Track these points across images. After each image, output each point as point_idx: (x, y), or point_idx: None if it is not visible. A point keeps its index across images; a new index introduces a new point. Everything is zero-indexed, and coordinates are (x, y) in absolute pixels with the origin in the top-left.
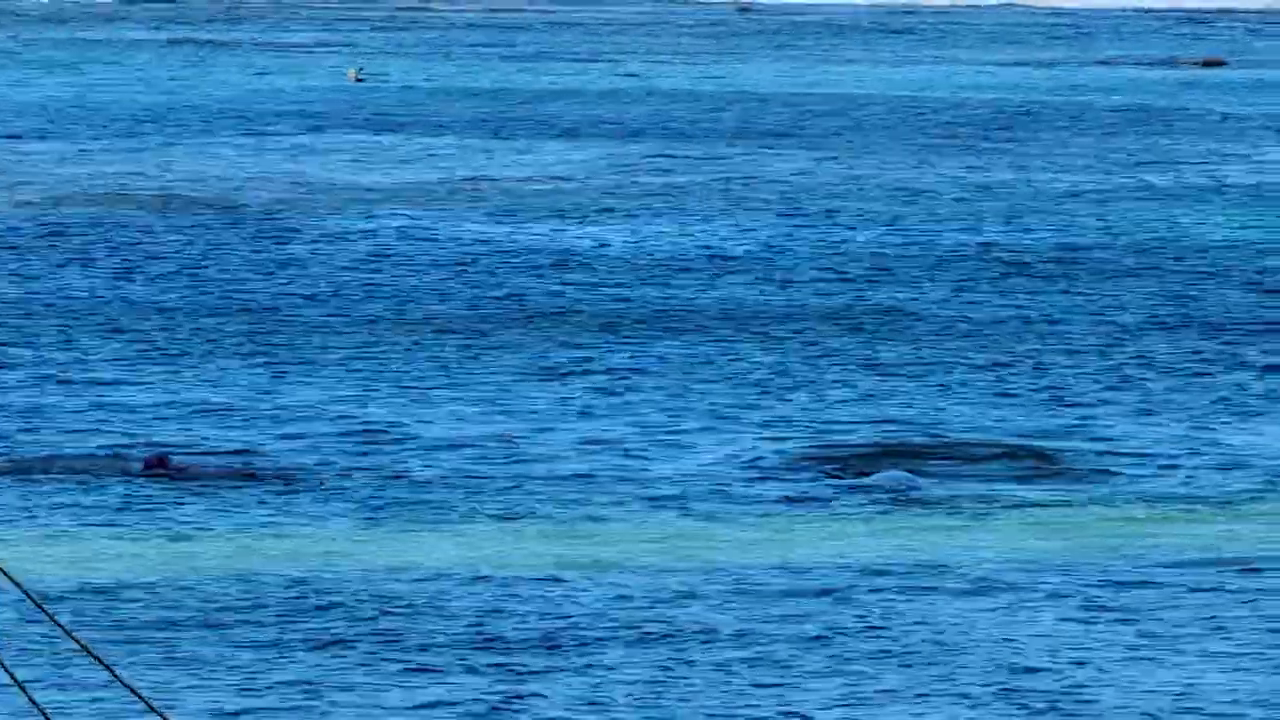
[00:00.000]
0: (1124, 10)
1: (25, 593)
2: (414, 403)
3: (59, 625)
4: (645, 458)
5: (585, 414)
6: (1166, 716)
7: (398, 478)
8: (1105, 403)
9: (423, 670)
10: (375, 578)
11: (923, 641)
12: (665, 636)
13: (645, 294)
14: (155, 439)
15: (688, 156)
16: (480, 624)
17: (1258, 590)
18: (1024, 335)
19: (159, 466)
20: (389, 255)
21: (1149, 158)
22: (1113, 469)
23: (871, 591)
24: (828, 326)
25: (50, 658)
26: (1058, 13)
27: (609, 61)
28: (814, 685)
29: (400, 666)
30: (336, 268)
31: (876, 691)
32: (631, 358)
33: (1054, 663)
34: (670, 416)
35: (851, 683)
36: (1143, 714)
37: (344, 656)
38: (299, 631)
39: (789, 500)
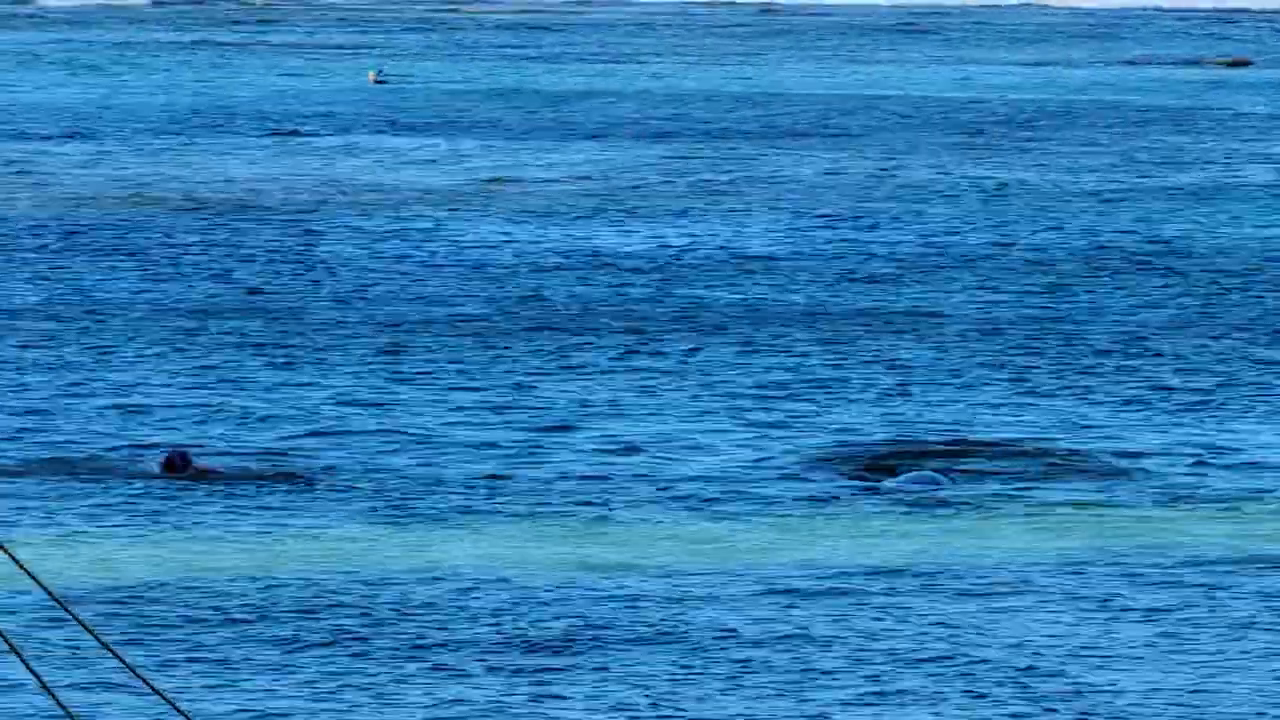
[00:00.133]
0: (1144, 9)
1: (48, 592)
2: (436, 402)
3: (82, 624)
4: (666, 458)
5: (608, 414)
6: (1190, 717)
7: (418, 478)
8: (1128, 402)
9: (443, 670)
10: (396, 578)
11: (943, 642)
12: (685, 637)
13: (668, 294)
14: (175, 440)
15: (712, 157)
16: (500, 624)
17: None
18: (1047, 335)
19: (179, 463)
20: (411, 256)
21: (1175, 157)
22: (1136, 469)
23: (893, 592)
24: (850, 326)
25: (73, 657)
26: (1075, 12)
27: (632, 62)
28: (834, 686)
29: (420, 667)
30: (358, 269)
31: (897, 691)
32: (654, 357)
33: (1076, 663)
34: (692, 417)
35: (872, 683)
36: (1165, 714)
37: (364, 657)
38: (319, 631)
39: (811, 501)
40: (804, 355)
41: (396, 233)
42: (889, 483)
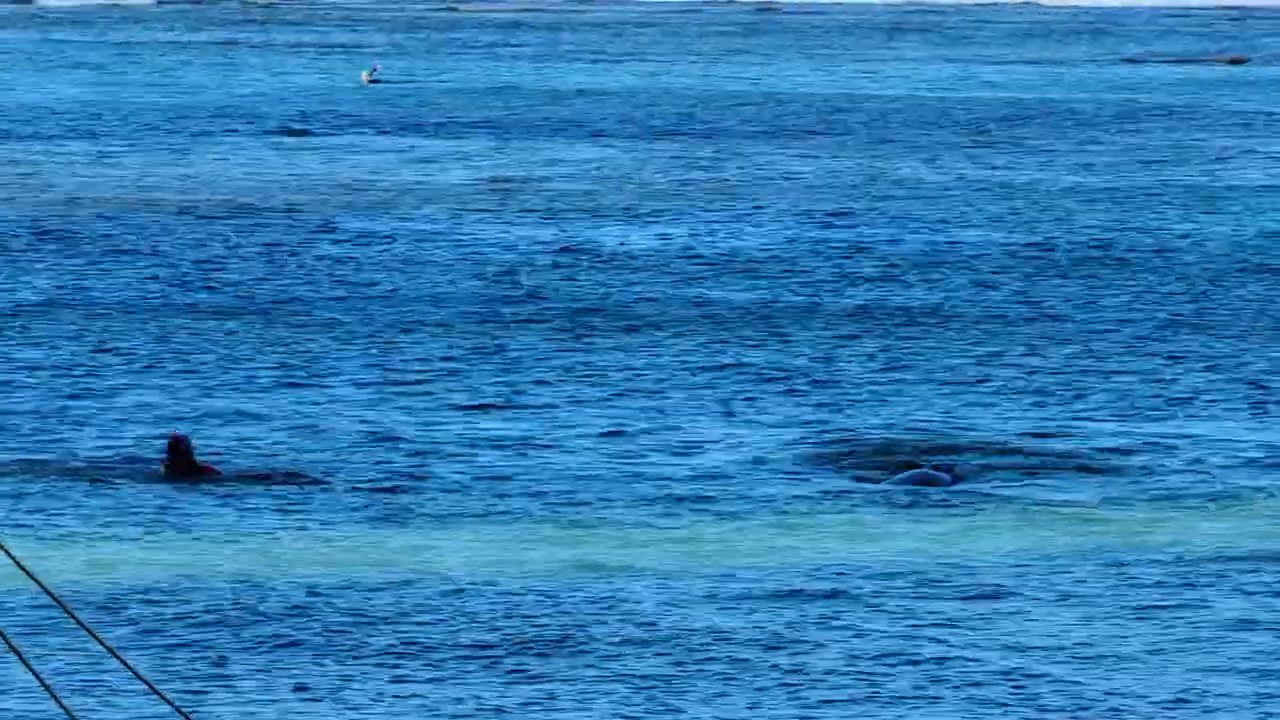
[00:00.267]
0: (1138, 8)
1: (48, 592)
2: (432, 404)
3: (82, 625)
4: (661, 457)
5: (603, 413)
6: (1187, 716)
7: (414, 479)
8: (1130, 400)
9: (439, 671)
10: (393, 580)
11: (938, 642)
12: (680, 639)
13: (664, 292)
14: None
15: (710, 156)
16: (495, 626)
17: None
18: (1047, 333)
19: (184, 446)
20: (408, 256)
21: (1175, 155)
22: (1137, 466)
23: (889, 592)
24: (848, 324)
25: (73, 658)
26: (1075, 11)
27: (630, 61)
28: (830, 687)
29: (417, 669)
30: (357, 268)
31: (892, 693)
32: (650, 356)
33: (1074, 663)
34: (687, 415)
35: (868, 685)
36: (1162, 714)
37: (362, 659)
38: (316, 633)
39: (807, 499)
40: (802, 352)
41: (397, 232)
42: (891, 480)
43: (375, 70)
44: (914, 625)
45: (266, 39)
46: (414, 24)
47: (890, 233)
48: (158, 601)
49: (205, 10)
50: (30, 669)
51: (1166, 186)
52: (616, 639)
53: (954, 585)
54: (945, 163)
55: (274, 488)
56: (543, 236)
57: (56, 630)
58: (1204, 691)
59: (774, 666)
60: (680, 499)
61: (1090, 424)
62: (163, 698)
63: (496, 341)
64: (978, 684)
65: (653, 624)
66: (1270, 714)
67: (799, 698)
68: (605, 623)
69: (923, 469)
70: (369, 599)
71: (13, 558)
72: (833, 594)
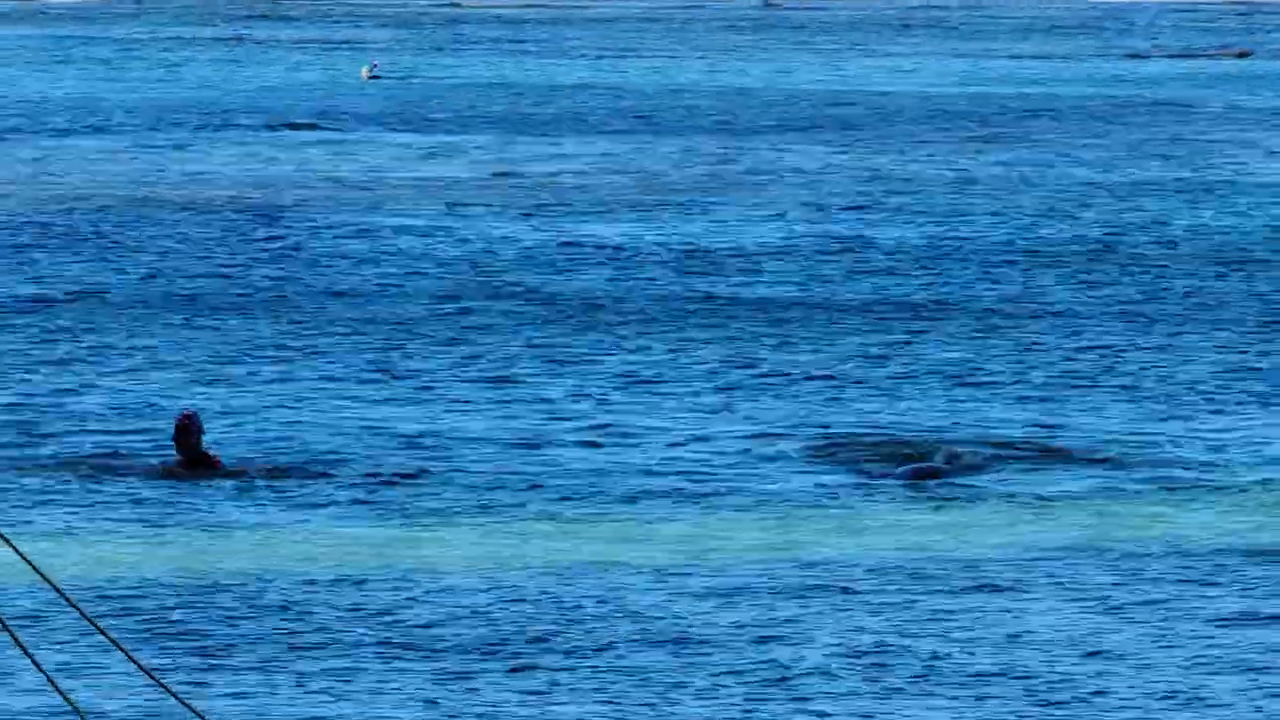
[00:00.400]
0: (1145, 3)
1: (53, 585)
2: (432, 397)
3: (88, 619)
4: (661, 451)
5: (604, 408)
6: (1187, 710)
7: (413, 474)
8: (1134, 396)
9: (437, 665)
10: (392, 574)
11: (938, 637)
12: (680, 634)
13: (666, 287)
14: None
15: (714, 151)
16: (493, 621)
17: None
18: (1052, 327)
19: (195, 426)
20: (409, 250)
21: (1181, 150)
22: (1140, 460)
23: (888, 587)
24: (852, 318)
25: (76, 650)
26: (1083, 6)
27: (634, 57)
28: (831, 682)
29: (415, 663)
30: (357, 263)
31: (892, 687)
32: (651, 350)
33: (1075, 657)
34: (687, 409)
35: (868, 679)
36: (1162, 707)
37: (362, 653)
38: (318, 626)
39: (809, 494)
40: (804, 346)
41: (398, 227)
42: (887, 475)
43: (375, 66)
44: (914, 619)
45: (270, 35)
46: (417, 20)
47: (894, 227)
48: (159, 594)
49: (210, 4)
50: (32, 659)
51: (1173, 181)
52: (614, 633)
53: (954, 579)
54: (950, 157)
55: (274, 481)
56: (545, 231)
57: (58, 622)
58: (1202, 685)
59: (772, 661)
60: (681, 493)
61: (1093, 418)
62: (166, 689)
63: (498, 335)
64: (977, 677)
65: (651, 618)
66: (1272, 710)
67: (798, 692)
68: (603, 617)
69: (924, 462)
70: (368, 593)
71: (16, 549)
72: (832, 588)
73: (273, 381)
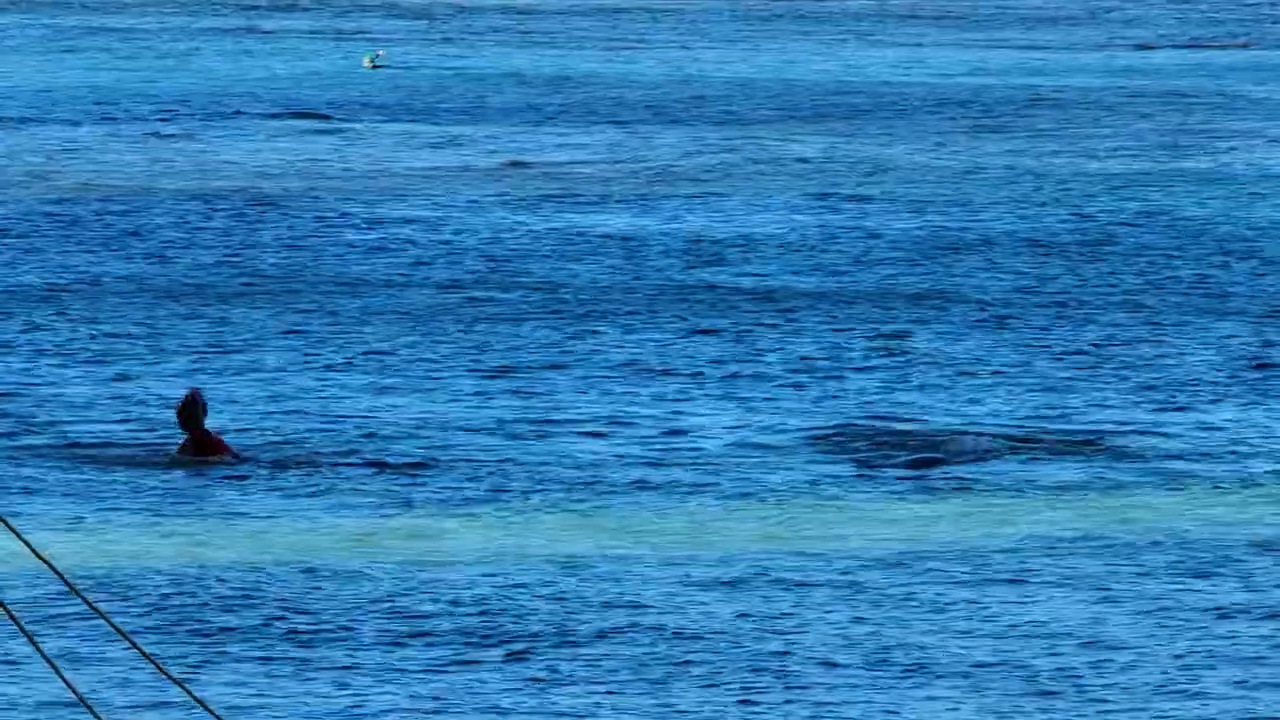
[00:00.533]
0: None
1: (56, 573)
2: (437, 387)
3: (95, 610)
4: (664, 441)
5: (609, 397)
6: (1185, 702)
7: (416, 464)
8: (1141, 387)
9: (439, 656)
10: (395, 566)
11: (938, 629)
12: (681, 624)
13: (672, 277)
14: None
15: (720, 141)
16: (497, 612)
17: None
18: (1055, 317)
19: (193, 401)
20: (416, 240)
21: (1188, 141)
22: (1150, 454)
23: (890, 578)
24: (857, 308)
25: (80, 639)
26: None
27: (641, 47)
28: (833, 674)
29: (417, 654)
30: (366, 253)
31: (895, 678)
32: (656, 339)
33: (1077, 648)
34: (691, 399)
35: (869, 671)
36: (1160, 698)
37: (365, 644)
38: (321, 617)
39: (811, 485)
40: (808, 337)
41: (404, 217)
42: (892, 466)
43: (378, 56)
44: (915, 609)
45: (278, 24)
46: (425, 10)
47: (899, 218)
48: (163, 582)
49: None
50: (36, 647)
51: (1178, 171)
52: (615, 624)
53: (955, 569)
54: (956, 148)
55: (278, 470)
56: (551, 220)
57: (63, 611)
58: (1204, 676)
59: (773, 651)
60: (683, 484)
61: (1097, 408)
62: (170, 678)
63: (504, 325)
64: (978, 666)
65: (653, 609)
66: (1272, 701)
67: (798, 682)
68: (604, 607)
69: (928, 453)
70: (371, 582)
71: (21, 538)
72: (834, 578)
73: (277, 370)
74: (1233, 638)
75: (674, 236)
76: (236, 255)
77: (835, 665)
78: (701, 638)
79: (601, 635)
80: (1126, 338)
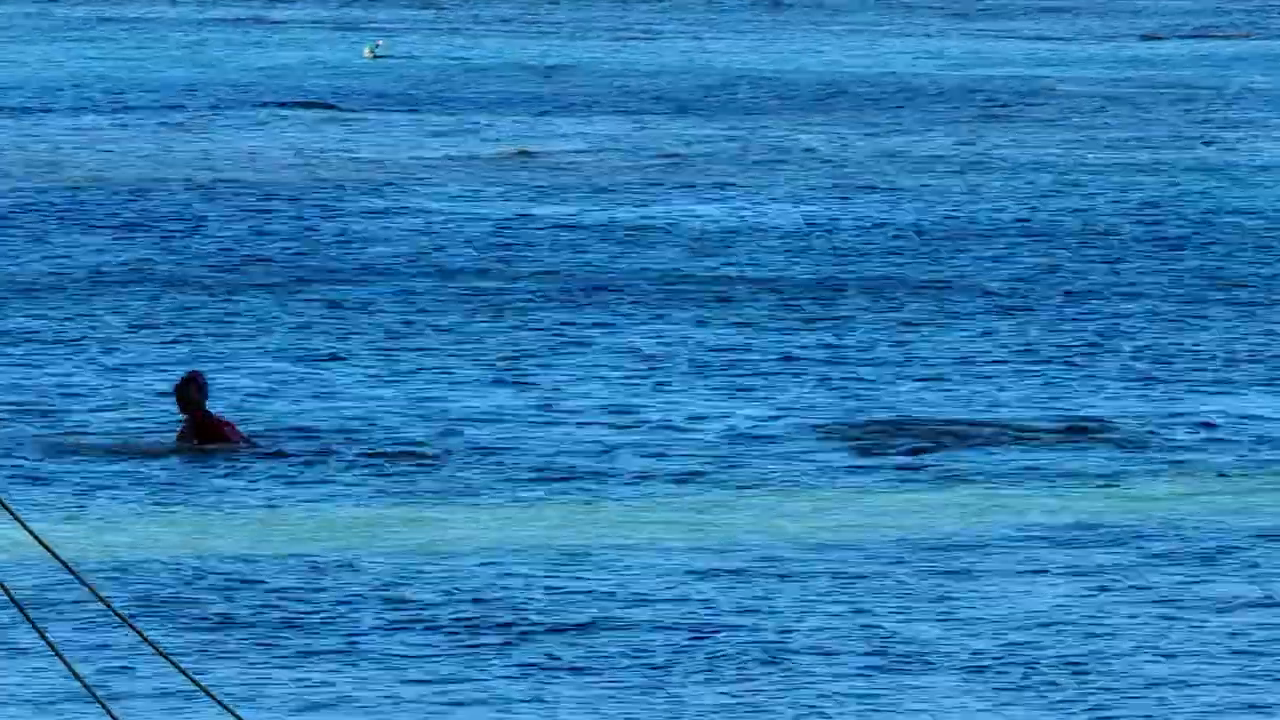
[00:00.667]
0: None
1: (62, 562)
2: (440, 377)
3: (102, 600)
4: (667, 431)
5: (610, 387)
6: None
7: (417, 454)
8: (1145, 376)
9: (440, 646)
10: (397, 555)
11: (939, 619)
12: (679, 619)
13: (677, 266)
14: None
15: (724, 131)
16: (497, 602)
17: None
18: (1064, 307)
19: (192, 381)
20: (421, 229)
21: (1193, 132)
22: (1153, 443)
23: (890, 568)
24: (861, 299)
25: (85, 627)
26: None
27: (644, 38)
28: (834, 665)
29: (418, 644)
30: (370, 242)
31: (896, 668)
32: (658, 330)
33: (1078, 639)
34: (694, 390)
35: (872, 661)
36: (1160, 689)
37: (367, 633)
38: (323, 607)
39: (815, 476)
40: (814, 327)
41: (409, 206)
42: (897, 456)
43: (378, 45)
44: (917, 600)
45: (283, 15)
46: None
47: (904, 208)
48: (167, 572)
49: None
50: (43, 636)
51: (1183, 161)
52: (618, 613)
53: (956, 559)
54: (963, 137)
55: (281, 459)
56: (554, 210)
57: (68, 600)
58: (1207, 669)
59: (775, 641)
60: (691, 474)
61: (1103, 398)
62: (176, 666)
63: (508, 315)
64: (978, 656)
65: (656, 599)
66: (1274, 692)
67: (800, 672)
68: (606, 597)
69: (930, 442)
70: (371, 572)
71: (26, 527)
72: (837, 569)
73: (280, 358)
74: (1235, 628)
75: (680, 226)
76: (240, 244)
77: (835, 654)
78: (701, 627)
79: (601, 624)
80: (1130, 327)
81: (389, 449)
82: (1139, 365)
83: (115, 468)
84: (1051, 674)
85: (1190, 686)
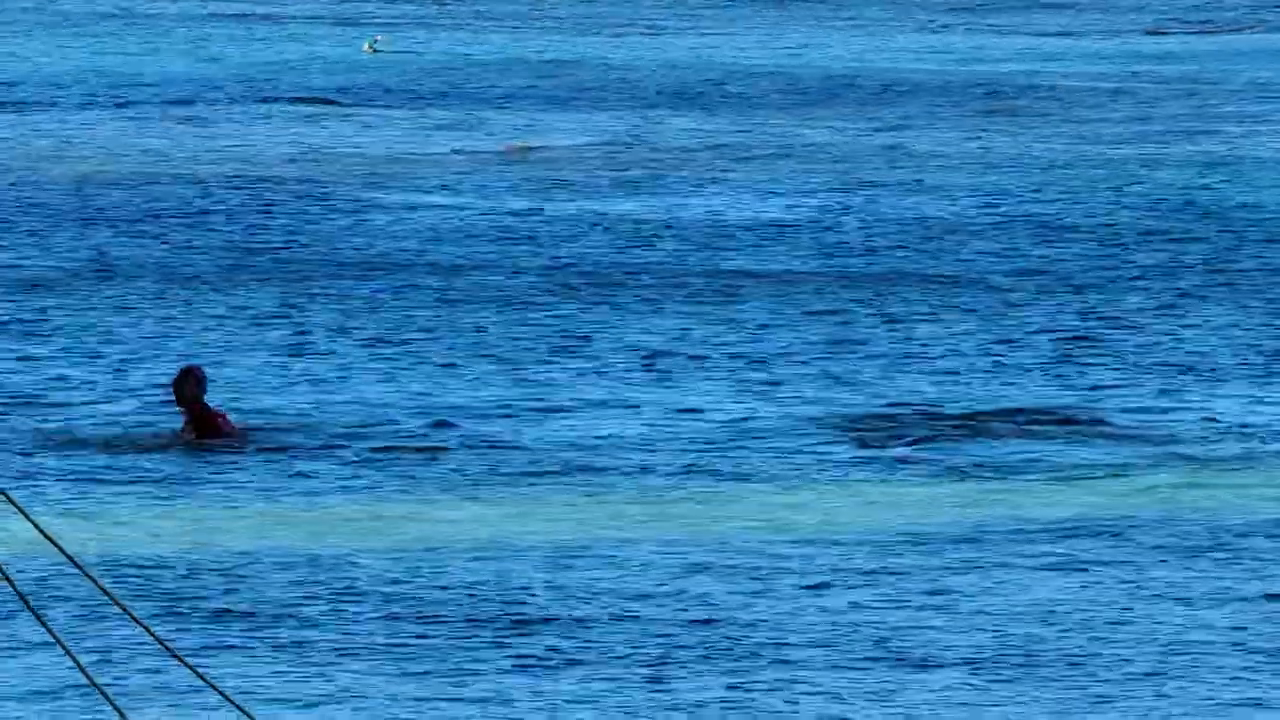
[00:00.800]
0: None
1: (68, 556)
2: (441, 371)
3: (101, 588)
4: (668, 424)
5: (612, 380)
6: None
7: (417, 448)
8: (1149, 369)
9: (440, 640)
10: (395, 549)
11: (940, 610)
12: (678, 613)
13: (681, 260)
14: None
15: (728, 126)
16: (498, 596)
17: None
18: (1068, 301)
19: (188, 375)
20: (423, 224)
21: (1200, 125)
22: (1157, 436)
23: (896, 559)
24: (864, 291)
25: (89, 620)
26: None
27: (648, 33)
28: (834, 659)
29: (418, 638)
30: (373, 237)
31: (897, 660)
32: (659, 322)
33: (1078, 632)
34: (696, 382)
35: (872, 654)
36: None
37: (367, 627)
38: (319, 601)
39: (812, 468)
40: (814, 320)
41: (409, 201)
42: (893, 450)
43: (376, 40)
44: (917, 593)
45: (285, 10)
46: None
47: (907, 202)
48: (163, 565)
49: None
50: (49, 630)
51: (1188, 155)
52: (615, 608)
53: (957, 552)
54: (967, 132)
55: (281, 453)
56: (556, 205)
57: (73, 594)
58: (1205, 662)
59: (777, 634)
60: (685, 468)
61: (1106, 390)
62: (182, 661)
63: (509, 309)
64: (979, 649)
65: (652, 594)
66: (1276, 685)
67: (801, 665)
68: (605, 593)
69: (932, 435)
70: (371, 566)
71: (34, 523)
72: (834, 563)
73: (281, 352)
74: (1237, 621)
75: (683, 221)
76: (241, 238)
77: (834, 648)
78: (701, 622)
79: (601, 618)
80: (1135, 321)
81: (390, 443)
82: (1141, 359)
83: (114, 462)
84: (1051, 667)
85: (1193, 681)
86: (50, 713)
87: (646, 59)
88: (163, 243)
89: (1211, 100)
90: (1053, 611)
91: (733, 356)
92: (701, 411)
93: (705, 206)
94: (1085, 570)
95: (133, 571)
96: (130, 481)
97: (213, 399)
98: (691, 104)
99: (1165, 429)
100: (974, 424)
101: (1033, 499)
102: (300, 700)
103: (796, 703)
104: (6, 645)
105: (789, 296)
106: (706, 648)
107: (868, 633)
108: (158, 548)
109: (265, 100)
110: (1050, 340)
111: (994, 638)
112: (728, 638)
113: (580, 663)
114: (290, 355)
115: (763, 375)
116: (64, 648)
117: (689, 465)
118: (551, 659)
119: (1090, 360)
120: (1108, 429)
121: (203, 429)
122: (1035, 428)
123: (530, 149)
